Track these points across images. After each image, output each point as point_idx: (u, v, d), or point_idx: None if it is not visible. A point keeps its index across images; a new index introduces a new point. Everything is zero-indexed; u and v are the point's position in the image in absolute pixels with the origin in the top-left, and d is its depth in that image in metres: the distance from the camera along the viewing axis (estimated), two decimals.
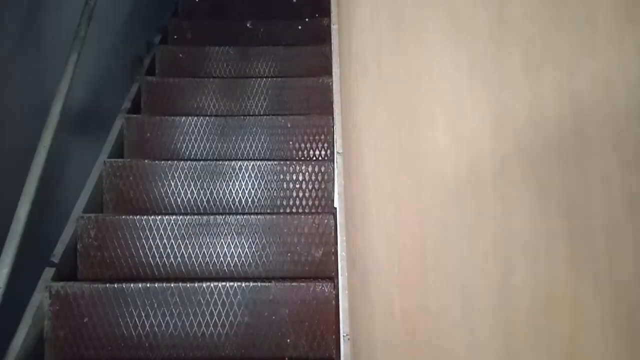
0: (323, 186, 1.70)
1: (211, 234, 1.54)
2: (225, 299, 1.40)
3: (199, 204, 1.70)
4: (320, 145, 1.86)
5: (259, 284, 1.41)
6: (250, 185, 1.71)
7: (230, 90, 2.05)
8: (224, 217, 1.55)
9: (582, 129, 0.25)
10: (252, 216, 1.56)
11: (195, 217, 1.55)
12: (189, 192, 1.70)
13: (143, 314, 1.39)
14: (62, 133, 1.43)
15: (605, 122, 0.23)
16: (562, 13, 0.27)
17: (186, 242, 1.54)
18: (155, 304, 1.39)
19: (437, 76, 0.48)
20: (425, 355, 0.52)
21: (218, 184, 1.71)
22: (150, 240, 1.54)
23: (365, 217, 0.96)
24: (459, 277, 0.42)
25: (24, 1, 1.43)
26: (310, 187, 1.70)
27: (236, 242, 1.54)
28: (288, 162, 1.72)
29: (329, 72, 1.84)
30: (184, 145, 1.88)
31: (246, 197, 1.71)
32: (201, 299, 1.40)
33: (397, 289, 0.66)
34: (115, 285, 1.40)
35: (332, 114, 1.70)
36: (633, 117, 0.21)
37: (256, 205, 1.70)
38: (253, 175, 1.71)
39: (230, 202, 1.71)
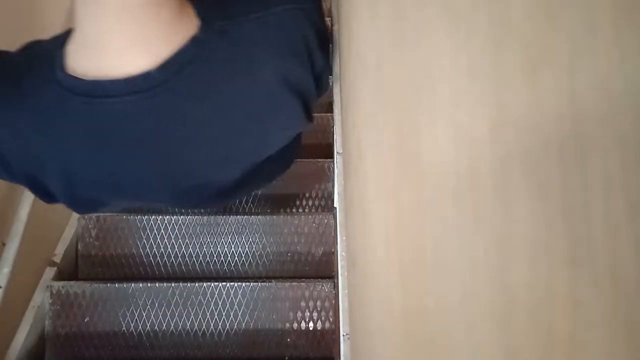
0: None
1: (211, 233, 1.54)
2: (225, 298, 1.40)
3: None
4: None
5: (259, 283, 1.41)
6: None
7: None
8: (224, 217, 1.55)
9: (581, 129, 0.25)
10: (252, 216, 1.56)
11: (196, 217, 1.56)
12: None
13: (144, 314, 1.39)
14: None
15: (605, 122, 0.23)
16: (562, 13, 0.27)
17: (187, 242, 1.54)
18: (156, 304, 1.39)
19: (437, 76, 0.48)
20: (425, 355, 0.52)
21: None
22: (151, 240, 1.54)
23: (365, 217, 0.96)
24: (459, 277, 0.42)
25: (23, 1, 1.43)
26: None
27: (236, 242, 1.54)
28: None
29: None
30: None
31: None
32: (201, 298, 1.40)
33: (397, 289, 0.66)
34: (116, 285, 1.40)
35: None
36: (633, 117, 0.21)
37: None
38: None
39: None
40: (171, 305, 1.39)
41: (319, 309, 1.39)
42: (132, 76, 0.49)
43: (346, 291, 1.28)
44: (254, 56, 0.56)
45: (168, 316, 1.39)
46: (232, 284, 1.40)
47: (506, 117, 0.33)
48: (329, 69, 0.73)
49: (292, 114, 0.63)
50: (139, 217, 1.54)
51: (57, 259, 1.47)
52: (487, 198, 0.36)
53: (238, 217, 1.55)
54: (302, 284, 1.40)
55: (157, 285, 1.40)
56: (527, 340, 0.30)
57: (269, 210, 1.68)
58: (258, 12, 0.56)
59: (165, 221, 1.54)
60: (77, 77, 0.49)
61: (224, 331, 1.38)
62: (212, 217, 1.54)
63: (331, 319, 1.38)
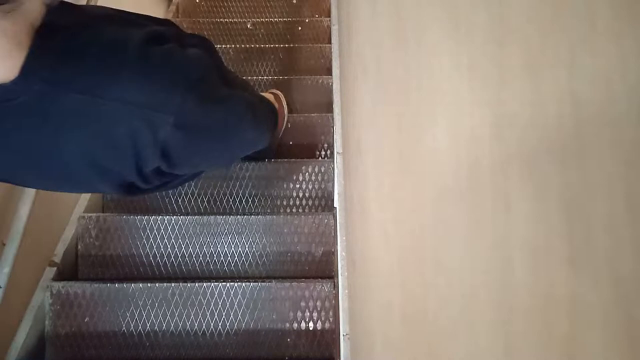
0: None
1: (211, 233, 1.54)
2: (225, 298, 1.40)
3: (199, 202, 1.70)
4: None
5: (259, 283, 1.41)
6: None
7: None
8: (224, 217, 1.55)
9: (581, 128, 0.25)
10: (252, 216, 1.56)
11: (196, 217, 1.55)
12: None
13: (144, 314, 1.39)
14: None
15: (605, 122, 0.23)
16: (562, 13, 0.27)
17: (187, 242, 1.54)
18: (156, 304, 1.39)
19: (437, 76, 0.48)
20: (424, 354, 0.52)
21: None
22: (151, 240, 1.54)
23: (365, 217, 0.96)
24: (458, 276, 0.42)
25: None
26: None
27: (236, 242, 1.54)
28: None
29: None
30: None
31: None
32: (201, 298, 1.40)
33: (396, 288, 0.66)
34: (116, 285, 1.40)
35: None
36: (632, 117, 0.21)
37: None
38: None
39: None
40: (171, 305, 1.39)
41: (319, 309, 1.39)
42: None
43: (346, 291, 1.28)
44: (61, 130, 0.63)
45: (168, 316, 1.39)
46: (232, 284, 1.40)
47: (506, 117, 0.33)
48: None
49: (98, 188, 0.75)
50: (139, 217, 1.54)
51: (57, 259, 1.47)
52: (487, 198, 0.36)
53: (238, 217, 1.54)
54: (302, 284, 1.40)
55: (157, 285, 1.39)
56: (526, 340, 0.30)
57: (269, 210, 1.68)
58: (91, 95, 0.61)
59: (165, 221, 1.54)
60: None
61: (224, 331, 1.38)
62: (212, 217, 1.54)
63: (331, 319, 1.38)
